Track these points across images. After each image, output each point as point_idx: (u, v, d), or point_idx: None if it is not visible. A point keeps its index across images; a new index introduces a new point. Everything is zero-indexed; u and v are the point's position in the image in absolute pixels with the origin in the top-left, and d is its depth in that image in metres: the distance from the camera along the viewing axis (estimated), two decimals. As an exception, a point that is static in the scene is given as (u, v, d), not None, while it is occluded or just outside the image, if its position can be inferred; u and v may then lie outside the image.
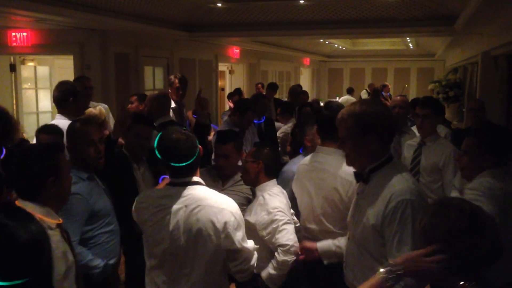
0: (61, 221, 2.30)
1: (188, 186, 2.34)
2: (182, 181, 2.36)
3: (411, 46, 16.06)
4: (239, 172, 3.34)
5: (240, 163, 3.44)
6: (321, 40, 13.62)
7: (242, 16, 7.95)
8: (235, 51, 11.40)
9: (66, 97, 4.30)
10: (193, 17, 7.90)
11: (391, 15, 7.49)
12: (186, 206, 2.29)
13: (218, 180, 3.38)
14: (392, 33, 9.44)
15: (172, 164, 2.31)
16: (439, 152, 3.91)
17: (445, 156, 3.88)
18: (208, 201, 2.31)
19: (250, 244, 2.44)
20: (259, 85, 10.10)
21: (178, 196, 2.32)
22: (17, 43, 6.90)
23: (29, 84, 8.18)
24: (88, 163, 2.99)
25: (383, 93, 13.60)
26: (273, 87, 8.99)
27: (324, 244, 2.79)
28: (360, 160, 2.26)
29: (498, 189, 2.63)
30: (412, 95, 16.60)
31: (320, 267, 2.84)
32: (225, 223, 2.29)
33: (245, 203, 3.25)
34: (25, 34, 6.88)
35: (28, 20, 6.03)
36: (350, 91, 14.88)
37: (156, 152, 2.34)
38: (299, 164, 3.18)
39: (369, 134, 2.18)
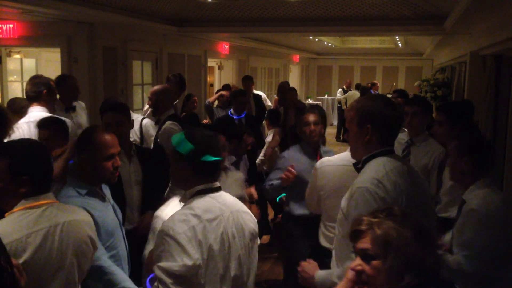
0: None
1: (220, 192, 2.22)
2: (213, 186, 2.20)
3: (400, 45, 16.14)
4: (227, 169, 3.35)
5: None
6: (311, 37, 13.63)
7: (232, 12, 7.91)
8: (224, 47, 11.36)
9: (39, 89, 4.25)
10: (183, 12, 7.84)
11: (381, 13, 7.50)
12: (231, 212, 2.18)
13: None
14: (381, 31, 9.47)
15: (212, 158, 2.11)
16: (428, 153, 3.91)
17: (434, 157, 3.88)
18: (239, 205, 2.30)
19: None
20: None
21: (219, 203, 2.16)
22: (3, 35, 6.79)
23: (15, 76, 8.07)
24: (100, 178, 2.70)
25: (372, 91, 13.68)
26: (248, 78, 8.85)
27: (322, 276, 2.59)
28: (357, 151, 2.35)
29: (499, 201, 2.62)
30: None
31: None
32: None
33: None
34: (11, 25, 6.77)
35: (15, 11, 5.93)
36: (357, 87, 15.09)
37: (188, 147, 2.10)
38: (327, 165, 3.22)
39: (364, 126, 2.26)
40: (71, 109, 5.07)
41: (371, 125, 2.24)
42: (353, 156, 2.40)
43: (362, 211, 1.94)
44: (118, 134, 3.43)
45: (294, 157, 3.85)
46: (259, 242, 2.32)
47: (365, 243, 1.56)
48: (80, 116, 5.17)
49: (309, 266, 2.43)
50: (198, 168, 2.12)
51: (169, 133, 4.16)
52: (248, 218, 2.24)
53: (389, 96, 6.60)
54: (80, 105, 5.36)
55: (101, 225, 2.55)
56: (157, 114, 4.80)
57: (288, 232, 3.87)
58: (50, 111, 4.29)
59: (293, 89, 8.15)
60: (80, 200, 2.56)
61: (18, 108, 4.37)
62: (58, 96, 4.87)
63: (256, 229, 2.29)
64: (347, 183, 2.47)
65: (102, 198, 2.71)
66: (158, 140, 4.49)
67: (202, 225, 2.02)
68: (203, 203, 2.10)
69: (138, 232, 3.26)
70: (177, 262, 1.93)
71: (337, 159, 3.27)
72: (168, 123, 4.44)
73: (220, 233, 2.07)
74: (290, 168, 3.54)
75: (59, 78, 5.15)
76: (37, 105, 4.26)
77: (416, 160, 3.93)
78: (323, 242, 3.30)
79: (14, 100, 4.76)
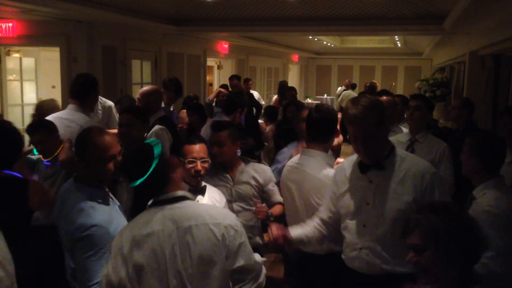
0: None
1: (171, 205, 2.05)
2: (164, 197, 2.07)
3: (399, 45, 16.15)
4: (242, 163, 3.42)
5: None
6: (310, 37, 13.63)
7: (231, 11, 7.91)
8: (223, 46, 11.36)
9: (88, 89, 4.10)
10: (182, 11, 7.84)
11: (380, 13, 7.51)
12: (177, 228, 1.98)
13: (226, 176, 3.38)
14: (381, 31, 9.48)
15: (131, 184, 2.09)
16: (432, 149, 3.90)
17: (440, 152, 3.86)
18: (200, 219, 2.02)
19: (257, 257, 2.15)
20: (250, 82, 10.03)
21: (164, 217, 2.01)
22: (3, 33, 6.79)
23: (14, 75, 8.06)
24: (105, 180, 2.56)
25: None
26: (237, 77, 8.88)
27: (297, 234, 2.69)
28: (378, 151, 2.42)
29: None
30: (399, 93, 16.68)
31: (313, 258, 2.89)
32: (223, 237, 2.00)
33: (259, 190, 3.39)
34: (10, 24, 6.77)
35: (14, 10, 5.93)
36: (354, 87, 15.10)
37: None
38: (286, 165, 3.23)
39: (382, 124, 2.38)
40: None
41: (384, 122, 2.43)
42: (369, 159, 2.43)
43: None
44: (126, 135, 3.43)
45: (288, 158, 3.86)
46: (241, 263, 2.03)
47: (415, 239, 1.79)
48: (97, 116, 5.08)
49: (276, 227, 2.58)
50: (140, 188, 2.08)
51: (156, 137, 4.14)
52: (205, 236, 1.96)
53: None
54: (100, 103, 5.29)
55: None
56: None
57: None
58: (87, 113, 4.15)
59: (293, 89, 8.17)
60: (102, 209, 2.42)
61: (46, 111, 4.27)
62: None
63: (219, 249, 1.98)
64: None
65: (113, 202, 2.60)
66: None
67: (130, 241, 1.97)
68: (145, 216, 2.03)
69: None
70: (105, 271, 2.02)
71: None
72: (156, 127, 4.31)
73: (151, 249, 1.95)
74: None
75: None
76: (80, 104, 4.07)
77: (421, 156, 3.93)
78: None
79: (41, 105, 4.72)
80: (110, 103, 5.20)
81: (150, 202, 2.12)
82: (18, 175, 2.97)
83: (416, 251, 1.80)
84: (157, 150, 2.09)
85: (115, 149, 2.55)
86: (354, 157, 2.56)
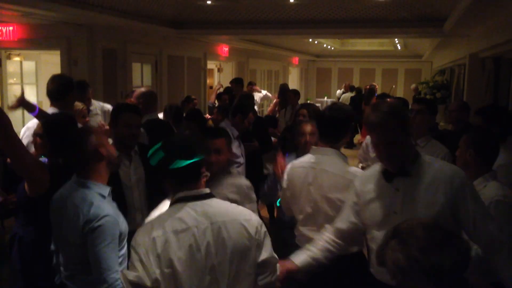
0: None
1: (203, 201, 2.06)
2: (195, 193, 2.06)
3: (399, 47, 16.16)
4: (228, 173, 3.19)
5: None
6: (310, 40, 13.64)
7: (232, 14, 7.92)
8: (224, 49, 11.37)
9: (64, 90, 4.13)
10: (182, 14, 7.85)
11: (380, 16, 7.52)
12: (211, 223, 2.00)
13: None
14: (381, 33, 9.49)
15: (184, 163, 2.01)
16: (433, 154, 3.87)
17: (440, 158, 3.84)
18: (232, 215, 2.07)
19: (274, 254, 2.20)
20: (253, 86, 9.94)
21: (196, 213, 2.01)
22: (3, 37, 6.81)
23: (14, 79, 8.08)
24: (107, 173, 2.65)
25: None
26: (238, 81, 8.77)
27: (303, 260, 2.60)
28: (403, 158, 2.33)
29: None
30: (399, 95, 16.70)
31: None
32: (254, 232, 2.06)
33: None
34: (11, 28, 6.79)
35: (15, 14, 5.94)
36: (352, 89, 15.00)
37: (157, 158, 2.05)
38: (293, 167, 3.09)
39: (405, 130, 2.30)
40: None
41: (408, 127, 2.36)
42: (395, 165, 2.34)
43: None
44: (135, 136, 3.40)
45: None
46: (265, 256, 2.09)
47: (388, 272, 1.68)
48: (93, 120, 5.13)
49: (283, 264, 2.40)
50: (173, 175, 2.05)
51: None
52: (238, 231, 2.03)
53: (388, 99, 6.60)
54: (98, 107, 5.37)
55: (124, 226, 2.54)
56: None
57: (284, 240, 3.79)
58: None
59: (297, 92, 8.09)
60: (109, 202, 2.53)
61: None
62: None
63: (251, 243, 2.05)
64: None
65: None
66: None
67: (164, 238, 1.95)
68: (175, 213, 2.02)
69: None
70: (133, 272, 1.94)
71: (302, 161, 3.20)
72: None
73: (188, 246, 1.96)
74: (280, 159, 3.44)
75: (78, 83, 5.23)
76: (57, 105, 4.12)
77: None
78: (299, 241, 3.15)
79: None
80: (109, 106, 5.25)
81: (174, 197, 2.08)
82: None
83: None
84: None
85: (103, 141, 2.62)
86: (377, 166, 2.49)
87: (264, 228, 2.12)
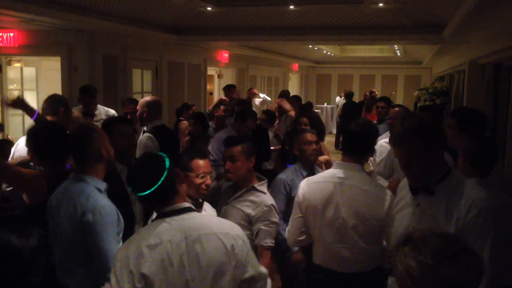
0: None
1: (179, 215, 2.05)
2: (171, 209, 2.05)
3: (398, 54, 16.19)
4: (256, 181, 3.20)
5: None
6: (310, 46, 13.67)
7: (232, 20, 7.94)
8: (224, 55, 11.39)
9: (56, 107, 4.24)
10: (183, 20, 7.87)
11: (380, 22, 7.54)
12: (186, 237, 1.98)
13: (229, 191, 3.23)
14: (381, 40, 9.50)
15: (138, 194, 2.05)
16: None
17: None
18: (209, 229, 2.03)
19: (262, 268, 2.17)
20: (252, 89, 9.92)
21: (172, 227, 2.00)
22: (4, 43, 6.82)
23: (15, 85, 8.09)
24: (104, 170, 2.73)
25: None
26: (230, 87, 8.70)
27: None
28: (424, 176, 2.22)
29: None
30: (399, 102, 16.73)
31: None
32: (232, 247, 2.01)
33: (245, 223, 3.06)
34: (12, 34, 6.80)
35: (15, 20, 5.96)
36: (351, 96, 14.92)
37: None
38: (313, 182, 2.96)
39: (429, 148, 2.18)
40: (89, 116, 5.47)
41: (439, 145, 2.23)
42: (418, 182, 2.25)
43: None
44: (133, 145, 3.45)
45: (293, 180, 3.69)
46: (251, 273, 2.05)
47: (396, 280, 1.60)
48: (98, 125, 5.21)
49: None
50: (144, 201, 2.10)
51: (142, 145, 4.24)
52: (214, 246, 1.98)
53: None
54: (103, 112, 5.60)
55: (121, 220, 2.60)
56: (143, 125, 4.82)
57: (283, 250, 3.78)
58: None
59: (299, 98, 8.06)
60: (104, 197, 2.59)
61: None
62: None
63: (228, 259, 1.99)
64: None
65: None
66: None
67: (138, 253, 1.95)
68: (152, 228, 2.03)
69: None
70: (108, 285, 1.98)
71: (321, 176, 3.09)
72: (145, 135, 4.40)
73: (161, 260, 1.94)
74: None
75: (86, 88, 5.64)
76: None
77: None
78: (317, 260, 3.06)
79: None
80: (113, 111, 5.44)
81: (154, 215, 2.10)
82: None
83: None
84: (167, 162, 2.08)
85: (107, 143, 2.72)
86: None
87: (245, 243, 2.07)
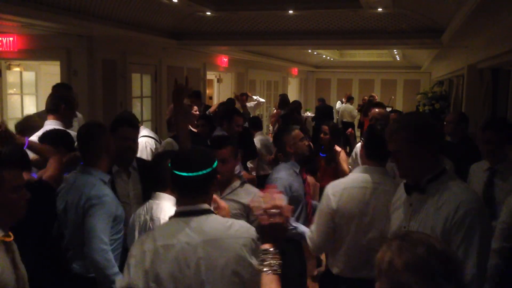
0: (8, 238, 2.05)
1: (200, 216, 2.02)
2: (191, 209, 2.04)
3: (398, 58, 16.21)
4: (237, 179, 3.28)
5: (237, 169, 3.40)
6: (310, 51, 13.69)
7: (231, 25, 7.97)
8: (223, 60, 11.41)
9: (57, 103, 4.24)
10: (182, 25, 7.89)
11: (379, 27, 7.56)
12: (204, 240, 1.97)
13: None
14: (380, 44, 9.52)
15: (178, 172, 2.02)
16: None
17: None
18: (226, 232, 2.03)
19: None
20: (243, 96, 9.83)
21: (190, 229, 1.99)
22: (3, 47, 6.83)
23: (14, 89, 8.09)
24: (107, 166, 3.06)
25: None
26: (197, 95, 8.60)
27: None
28: (414, 172, 2.27)
29: None
30: (398, 106, 16.76)
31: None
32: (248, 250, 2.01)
33: (243, 213, 3.12)
34: (11, 39, 6.81)
35: (15, 24, 5.97)
36: (349, 99, 14.98)
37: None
38: (346, 187, 2.86)
39: (419, 143, 2.23)
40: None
41: (428, 144, 2.25)
42: (407, 178, 2.31)
43: None
44: (133, 150, 3.47)
45: (288, 178, 3.66)
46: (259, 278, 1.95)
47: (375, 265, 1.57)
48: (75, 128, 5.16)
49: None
50: (174, 186, 2.10)
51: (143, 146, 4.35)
52: (231, 249, 1.97)
53: (388, 109, 6.62)
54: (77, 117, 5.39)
55: (120, 211, 2.90)
56: (172, 130, 4.85)
57: (282, 250, 3.76)
58: (65, 126, 4.23)
59: (298, 103, 8.07)
60: (108, 187, 2.91)
61: (30, 128, 4.28)
62: None
63: (243, 264, 1.98)
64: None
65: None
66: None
67: (154, 252, 1.95)
68: (169, 227, 2.03)
69: None
70: (123, 280, 2.01)
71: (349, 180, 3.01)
72: (167, 139, 4.55)
73: (177, 261, 1.94)
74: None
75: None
76: (54, 118, 4.21)
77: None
78: (335, 270, 2.98)
79: (28, 118, 4.74)
80: (80, 115, 5.35)
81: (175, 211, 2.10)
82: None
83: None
84: (215, 163, 2.12)
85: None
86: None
87: (259, 246, 2.04)
